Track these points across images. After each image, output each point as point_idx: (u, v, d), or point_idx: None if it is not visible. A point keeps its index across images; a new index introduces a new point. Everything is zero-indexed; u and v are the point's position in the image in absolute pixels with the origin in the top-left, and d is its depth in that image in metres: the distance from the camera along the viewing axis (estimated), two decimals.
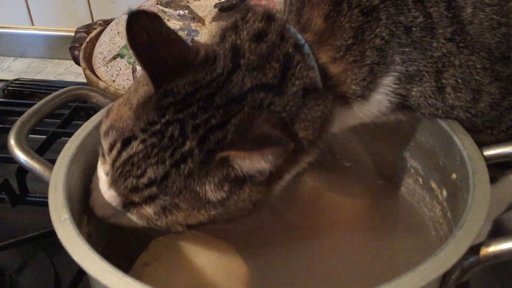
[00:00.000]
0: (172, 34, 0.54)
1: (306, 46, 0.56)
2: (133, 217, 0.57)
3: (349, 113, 0.61)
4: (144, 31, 0.51)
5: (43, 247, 0.83)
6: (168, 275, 0.61)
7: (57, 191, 0.54)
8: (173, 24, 0.94)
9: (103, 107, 0.68)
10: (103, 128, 0.56)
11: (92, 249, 0.48)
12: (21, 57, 1.48)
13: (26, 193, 0.89)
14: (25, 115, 0.63)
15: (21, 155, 0.60)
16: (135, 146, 0.53)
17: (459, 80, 0.59)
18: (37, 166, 0.59)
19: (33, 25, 1.44)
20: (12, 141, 0.60)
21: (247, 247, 0.68)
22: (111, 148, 0.54)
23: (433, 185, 0.67)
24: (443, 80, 0.59)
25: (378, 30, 0.57)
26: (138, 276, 0.60)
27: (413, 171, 0.72)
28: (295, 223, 0.75)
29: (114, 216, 0.58)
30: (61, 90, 0.68)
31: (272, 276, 0.66)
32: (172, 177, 0.52)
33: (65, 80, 1.35)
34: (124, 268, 0.63)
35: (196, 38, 0.91)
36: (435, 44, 0.58)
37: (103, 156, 0.56)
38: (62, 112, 1.04)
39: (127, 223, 0.58)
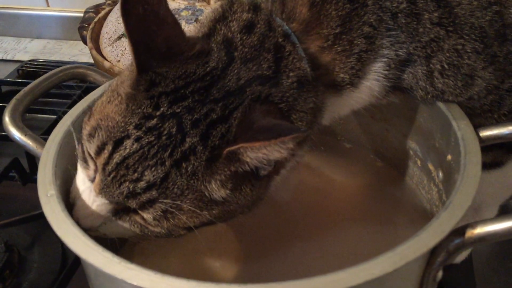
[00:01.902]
0: (170, 18, 0.51)
1: (293, 36, 0.55)
2: (126, 225, 0.53)
3: (339, 102, 0.60)
4: (140, 4, 0.49)
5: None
6: (160, 253, 0.61)
7: (46, 167, 0.54)
8: (178, 3, 0.94)
9: (100, 86, 0.68)
10: (87, 130, 0.52)
11: (75, 225, 0.48)
12: (37, 38, 1.50)
13: (36, 171, 0.89)
14: (20, 93, 0.64)
15: (15, 132, 0.61)
16: (129, 146, 0.49)
17: (445, 66, 0.57)
18: (30, 143, 0.60)
19: (48, 6, 1.46)
20: (6, 119, 0.61)
21: (243, 227, 0.68)
22: (99, 150, 0.50)
23: (431, 167, 0.66)
24: (431, 65, 0.58)
25: (365, 17, 0.56)
26: (129, 253, 0.61)
27: (411, 153, 0.71)
28: (293, 205, 0.75)
29: (103, 226, 0.54)
30: (57, 69, 0.68)
31: (267, 257, 0.66)
32: (173, 177, 0.49)
33: (79, 61, 1.36)
34: (119, 244, 0.65)
35: (200, 17, 0.91)
36: (421, 30, 0.56)
37: (85, 161, 0.53)
38: (73, 93, 1.06)
39: (118, 232, 0.55)
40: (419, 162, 0.70)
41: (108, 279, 0.46)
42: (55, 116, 1.04)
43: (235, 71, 0.52)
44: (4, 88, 1.20)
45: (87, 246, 0.46)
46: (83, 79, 0.70)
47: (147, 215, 0.50)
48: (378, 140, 0.77)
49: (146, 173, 0.49)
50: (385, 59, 0.58)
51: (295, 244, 0.68)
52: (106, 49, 0.97)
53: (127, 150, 0.49)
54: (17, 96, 0.64)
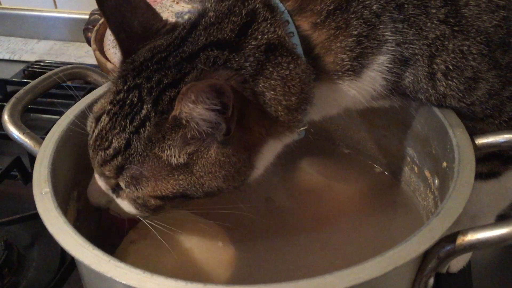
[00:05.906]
0: (142, 3, 0.57)
1: (286, 13, 0.54)
2: (125, 203, 0.56)
3: (340, 89, 0.58)
4: None
5: None
6: (154, 253, 0.61)
7: (42, 165, 0.55)
8: (182, 7, 0.94)
9: (99, 86, 0.68)
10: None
11: (67, 223, 0.49)
12: (44, 39, 1.50)
13: None
14: (20, 92, 0.65)
15: (13, 130, 0.61)
16: (104, 119, 0.54)
17: (450, 67, 0.56)
18: (28, 141, 0.61)
19: (56, 7, 1.47)
20: (6, 117, 0.62)
21: (239, 229, 0.68)
22: (90, 131, 0.56)
23: (427, 174, 0.65)
24: (434, 66, 0.56)
25: (368, 1, 0.55)
26: (124, 253, 0.61)
27: (409, 159, 0.71)
28: (290, 209, 0.75)
29: (110, 204, 0.58)
30: (57, 69, 0.69)
31: (263, 260, 0.66)
32: (134, 144, 0.52)
33: (84, 62, 1.36)
34: (115, 244, 0.65)
35: None
36: (429, 24, 0.55)
37: None
38: (78, 94, 1.06)
39: (123, 211, 0.57)
40: (416, 168, 0.69)
41: (99, 277, 0.47)
42: (59, 117, 1.05)
43: (196, 37, 0.54)
44: (10, 88, 1.21)
45: (78, 244, 0.46)
46: (82, 79, 0.70)
47: (122, 183, 0.54)
48: (376, 146, 0.77)
49: (113, 140, 0.53)
50: (391, 55, 0.56)
51: (291, 247, 0.67)
52: (110, 51, 0.97)
53: (102, 123, 0.54)
54: (17, 94, 0.64)
